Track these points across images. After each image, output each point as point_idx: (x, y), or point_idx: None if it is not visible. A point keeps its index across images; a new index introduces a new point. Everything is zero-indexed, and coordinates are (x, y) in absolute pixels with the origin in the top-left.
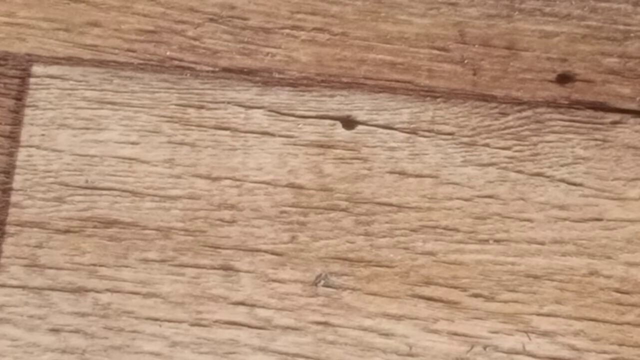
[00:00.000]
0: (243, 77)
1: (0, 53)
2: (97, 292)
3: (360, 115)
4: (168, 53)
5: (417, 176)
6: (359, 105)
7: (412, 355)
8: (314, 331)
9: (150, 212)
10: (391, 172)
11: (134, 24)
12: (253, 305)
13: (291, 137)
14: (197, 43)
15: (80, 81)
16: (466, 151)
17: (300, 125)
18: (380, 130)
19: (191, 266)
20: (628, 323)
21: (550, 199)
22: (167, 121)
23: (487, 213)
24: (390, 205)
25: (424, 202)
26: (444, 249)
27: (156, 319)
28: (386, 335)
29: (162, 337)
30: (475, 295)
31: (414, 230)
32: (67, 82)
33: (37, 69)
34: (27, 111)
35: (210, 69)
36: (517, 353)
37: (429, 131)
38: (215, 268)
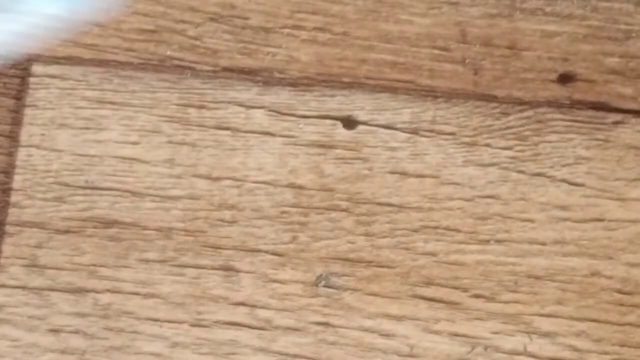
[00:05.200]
0: (244, 77)
1: None
2: (97, 292)
3: (361, 115)
4: (168, 52)
5: (418, 176)
6: (360, 105)
7: (413, 356)
8: (314, 332)
9: (151, 212)
10: (392, 172)
11: (134, 24)
12: (254, 306)
13: (292, 137)
14: (197, 42)
15: (80, 81)
16: (467, 151)
17: (300, 125)
18: (381, 130)
19: (191, 266)
20: (630, 324)
21: (552, 199)
22: (168, 121)
23: (488, 213)
24: (391, 205)
25: (425, 202)
26: (445, 249)
27: (156, 320)
28: (387, 336)
29: (162, 338)
30: (477, 296)
31: (415, 231)
32: (67, 82)
33: (36, 68)
34: (27, 111)
35: (211, 68)
36: (519, 354)
37: (430, 131)
38: (215, 268)
